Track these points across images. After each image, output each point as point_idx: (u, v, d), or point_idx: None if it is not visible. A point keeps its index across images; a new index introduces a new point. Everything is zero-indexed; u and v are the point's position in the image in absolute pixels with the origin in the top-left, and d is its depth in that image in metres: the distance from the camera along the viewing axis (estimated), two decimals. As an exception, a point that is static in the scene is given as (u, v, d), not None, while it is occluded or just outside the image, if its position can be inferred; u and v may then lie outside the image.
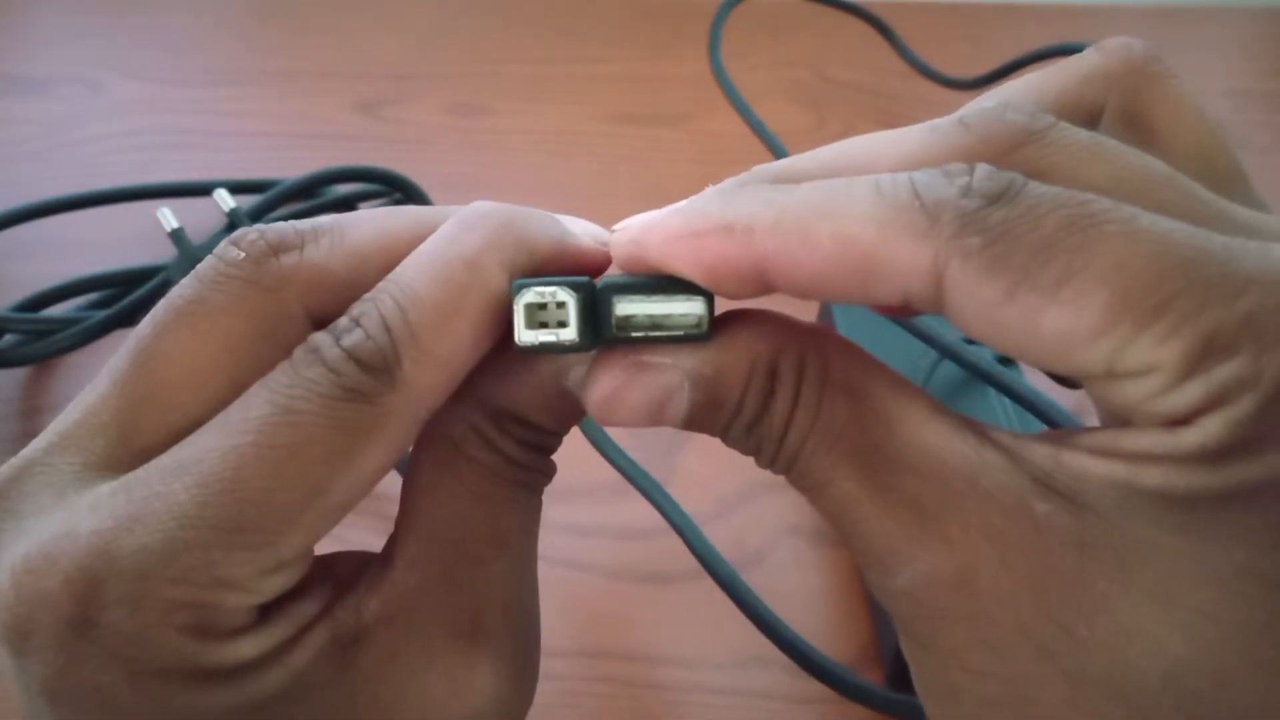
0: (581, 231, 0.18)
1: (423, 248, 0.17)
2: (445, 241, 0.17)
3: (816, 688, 0.29)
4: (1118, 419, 0.15)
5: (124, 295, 0.37)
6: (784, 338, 0.16)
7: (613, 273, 0.17)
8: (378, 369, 0.15)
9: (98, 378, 0.17)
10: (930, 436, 0.15)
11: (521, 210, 0.18)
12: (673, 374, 0.16)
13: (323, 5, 0.61)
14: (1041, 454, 0.15)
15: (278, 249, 0.17)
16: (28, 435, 0.36)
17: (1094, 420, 0.17)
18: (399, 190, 0.42)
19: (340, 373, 0.15)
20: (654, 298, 0.16)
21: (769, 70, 0.57)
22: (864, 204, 0.14)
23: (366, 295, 0.16)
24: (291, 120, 0.52)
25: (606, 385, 0.16)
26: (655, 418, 0.16)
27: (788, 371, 0.16)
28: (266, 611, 0.16)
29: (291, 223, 0.17)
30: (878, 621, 0.31)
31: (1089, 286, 0.13)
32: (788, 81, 0.56)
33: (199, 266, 0.17)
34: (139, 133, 0.51)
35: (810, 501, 0.16)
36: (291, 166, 0.43)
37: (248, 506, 0.15)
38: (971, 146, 0.16)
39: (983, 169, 0.14)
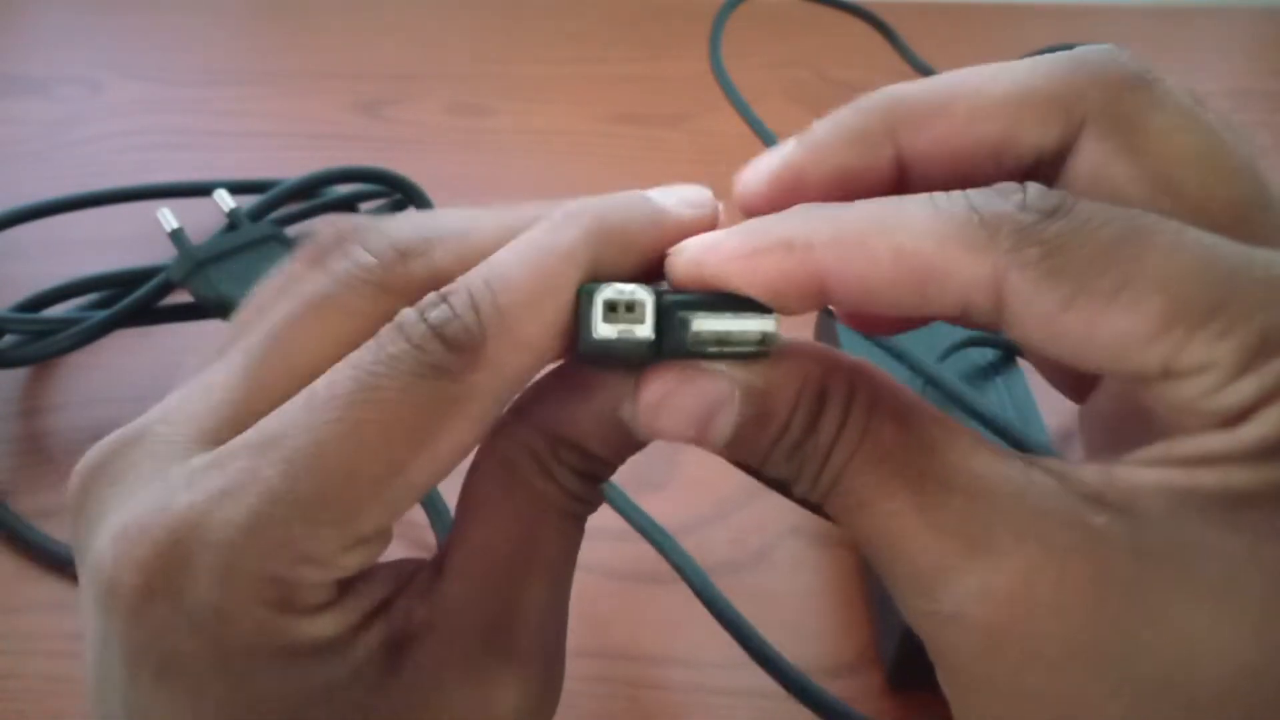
0: (676, 202, 0.18)
1: (520, 237, 0.17)
2: (541, 232, 0.17)
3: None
4: (1168, 426, 0.15)
5: (124, 295, 0.37)
6: (835, 364, 0.16)
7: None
8: (462, 347, 0.15)
9: (228, 356, 0.17)
10: (975, 462, 0.15)
11: (613, 200, 0.18)
12: (725, 382, 0.16)
13: (323, 5, 0.61)
14: (1091, 473, 0.15)
15: (406, 255, 0.17)
16: (28, 435, 0.36)
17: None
18: (399, 190, 0.42)
19: (425, 349, 0.15)
20: (724, 314, 0.16)
21: (769, 70, 0.57)
22: (921, 218, 0.15)
23: (460, 278, 0.16)
24: (291, 120, 0.52)
25: (657, 389, 0.16)
26: (701, 428, 0.16)
27: (837, 393, 0.16)
28: (344, 590, 0.16)
29: (416, 225, 0.17)
30: (878, 622, 0.31)
31: (1145, 292, 0.14)
32: (788, 81, 0.56)
33: (331, 261, 0.17)
34: (139, 133, 0.51)
35: (849, 526, 0.16)
36: (291, 166, 0.43)
37: (330, 483, 0.15)
38: (1082, 81, 0.17)
39: (1034, 187, 0.15)
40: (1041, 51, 0.18)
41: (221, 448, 0.16)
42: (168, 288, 0.36)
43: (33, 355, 0.36)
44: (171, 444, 0.16)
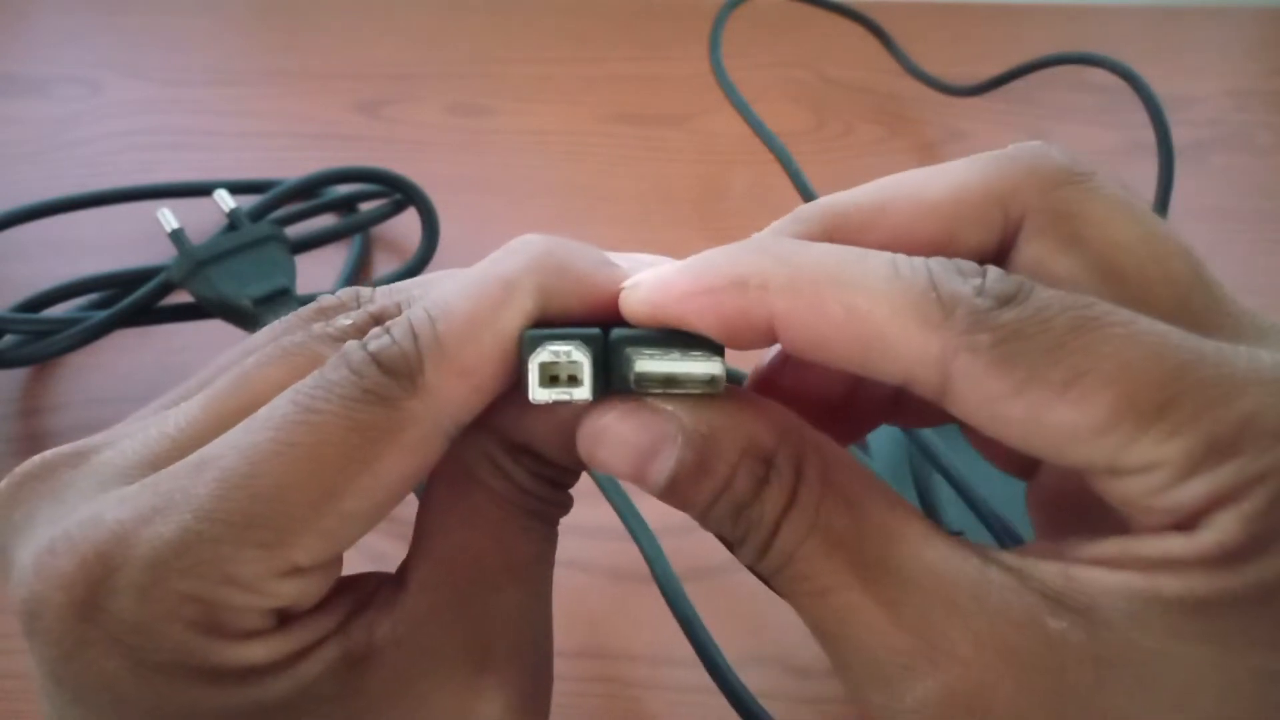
0: (635, 262, 0.18)
1: (465, 269, 0.17)
2: (487, 263, 0.17)
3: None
4: (1119, 514, 0.15)
5: (124, 295, 0.37)
6: (786, 431, 0.16)
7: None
8: (399, 373, 0.15)
9: (193, 396, 0.17)
10: (931, 554, 0.15)
11: (564, 241, 0.18)
12: (669, 421, 0.16)
13: (323, 5, 0.61)
14: (1050, 571, 0.15)
15: (380, 317, 0.17)
16: (28, 435, 0.37)
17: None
18: (399, 190, 0.42)
19: (362, 374, 0.15)
20: (671, 356, 0.16)
21: (769, 70, 0.57)
22: (880, 280, 0.15)
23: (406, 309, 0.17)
24: (291, 120, 0.52)
25: (600, 418, 0.16)
26: (640, 464, 0.16)
27: (785, 465, 0.16)
28: (287, 621, 0.16)
29: (395, 290, 0.18)
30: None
31: (1094, 386, 0.14)
32: (788, 81, 0.56)
33: (315, 325, 0.18)
34: (139, 133, 0.51)
35: (799, 608, 0.16)
36: (291, 166, 0.43)
37: (259, 503, 0.15)
38: (1017, 178, 0.17)
39: (994, 272, 0.15)
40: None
41: (161, 470, 0.16)
42: (168, 288, 0.36)
43: (33, 355, 0.36)
44: (114, 467, 0.16)
